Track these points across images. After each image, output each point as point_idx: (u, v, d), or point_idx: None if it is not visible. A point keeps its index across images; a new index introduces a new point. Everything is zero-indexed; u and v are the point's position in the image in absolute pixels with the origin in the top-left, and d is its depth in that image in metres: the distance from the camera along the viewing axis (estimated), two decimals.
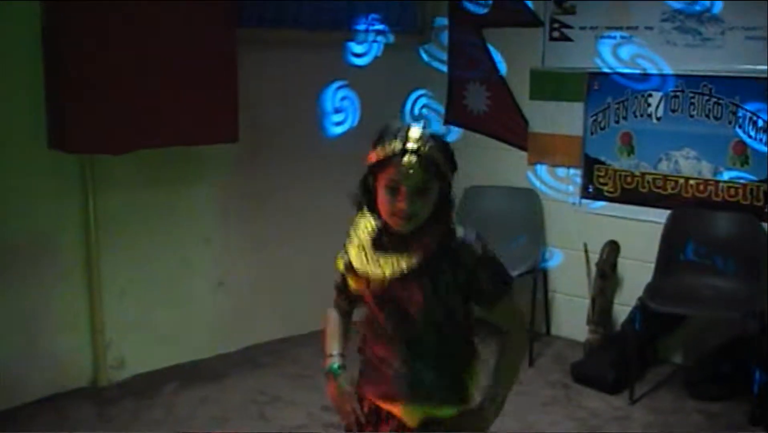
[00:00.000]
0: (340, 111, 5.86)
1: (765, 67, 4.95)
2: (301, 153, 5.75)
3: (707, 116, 5.21)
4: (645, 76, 5.43)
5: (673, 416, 4.81)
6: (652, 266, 5.26)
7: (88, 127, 4.51)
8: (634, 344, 5.08)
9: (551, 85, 5.86)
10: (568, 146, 5.79)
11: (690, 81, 5.26)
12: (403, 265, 2.45)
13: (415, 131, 2.40)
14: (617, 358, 5.17)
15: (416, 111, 6.32)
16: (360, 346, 2.68)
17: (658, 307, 4.89)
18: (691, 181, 5.31)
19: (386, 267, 2.47)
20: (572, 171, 5.80)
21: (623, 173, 5.57)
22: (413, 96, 6.29)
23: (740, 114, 5.09)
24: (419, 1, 6.34)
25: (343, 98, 5.86)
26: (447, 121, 6.34)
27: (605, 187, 5.65)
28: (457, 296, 2.48)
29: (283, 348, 5.68)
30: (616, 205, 5.62)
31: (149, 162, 4.98)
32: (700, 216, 5.27)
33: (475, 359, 2.60)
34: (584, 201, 5.77)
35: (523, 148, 6.02)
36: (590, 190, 5.73)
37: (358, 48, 5.93)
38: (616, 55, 5.53)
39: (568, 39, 5.74)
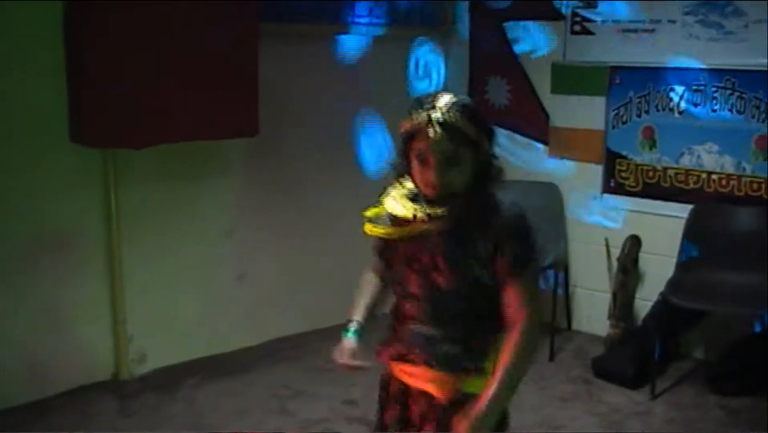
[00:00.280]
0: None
1: None
2: (321, 146, 5.76)
3: (730, 110, 5.18)
4: (667, 70, 5.41)
5: (695, 411, 4.80)
6: (674, 260, 5.24)
7: (109, 121, 4.52)
8: (655, 339, 5.06)
9: (572, 79, 5.84)
10: (590, 140, 5.77)
11: (713, 75, 5.23)
12: (437, 225, 2.45)
13: (442, 101, 2.40)
14: (638, 353, 5.15)
15: None
16: (391, 308, 2.70)
17: (679, 302, 4.87)
18: (714, 176, 5.29)
19: (419, 219, 2.48)
20: (594, 165, 5.78)
21: (645, 168, 5.55)
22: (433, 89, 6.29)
23: (763, 108, 5.05)
24: None
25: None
26: None
27: (627, 182, 5.63)
28: (483, 267, 2.46)
29: (305, 342, 5.69)
30: (638, 199, 5.60)
31: (170, 156, 4.99)
32: (722, 211, 5.24)
33: (500, 333, 2.53)
34: (605, 195, 5.75)
35: (544, 142, 6.00)
36: (612, 184, 5.71)
37: (378, 40, 5.92)
38: (637, 48, 5.50)
39: (589, 33, 5.71)
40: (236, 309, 5.55)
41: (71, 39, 4.54)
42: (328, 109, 5.74)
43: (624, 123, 5.61)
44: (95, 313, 4.96)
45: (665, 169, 5.47)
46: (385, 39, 5.95)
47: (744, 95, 5.12)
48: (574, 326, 6.00)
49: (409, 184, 2.54)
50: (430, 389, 2.58)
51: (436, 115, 2.37)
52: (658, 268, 5.35)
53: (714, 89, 5.23)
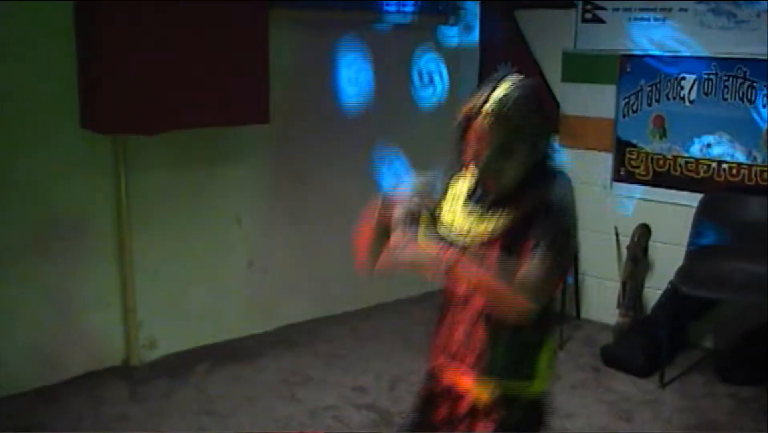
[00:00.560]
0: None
1: None
2: (332, 132, 5.76)
3: (741, 100, 5.17)
4: (678, 59, 5.40)
5: (704, 400, 4.81)
6: (684, 249, 5.24)
7: (120, 108, 4.52)
8: (664, 328, 5.06)
9: (583, 67, 5.83)
10: (600, 129, 5.76)
11: (724, 64, 5.22)
12: (489, 227, 2.42)
13: (503, 86, 2.35)
14: (648, 342, 5.16)
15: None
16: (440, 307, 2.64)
17: (689, 291, 4.87)
18: (724, 165, 5.28)
19: (472, 225, 2.45)
20: (604, 154, 5.77)
21: (655, 157, 5.55)
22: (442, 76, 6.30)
23: None
24: None
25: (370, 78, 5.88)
26: None
27: (637, 171, 5.63)
28: None
29: (315, 328, 5.71)
30: (648, 188, 5.60)
31: (181, 142, 4.99)
32: (732, 200, 5.24)
33: (545, 345, 2.51)
34: (615, 184, 5.75)
35: (554, 130, 6.00)
36: (622, 173, 5.71)
37: (389, 28, 5.91)
38: (649, 37, 5.49)
39: (600, 21, 5.70)
40: (246, 295, 5.56)
41: (83, 26, 4.55)
42: (339, 96, 5.73)
43: (634, 112, 5.60)
44: (105, 299, 4.98)
45: (675, 158, 5.46)
46: (397, 27, 5.94)
47: (755, 84, 5.10)
48: (584, 314, 6.01)
49: (461, 183, 2.52)
50: (472, 392, 2.53)
51: (489, 104, 2.32)
52: (668, 257, 5.35)
53: (725, 78, 5.22)
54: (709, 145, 5.33)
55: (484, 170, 2.37)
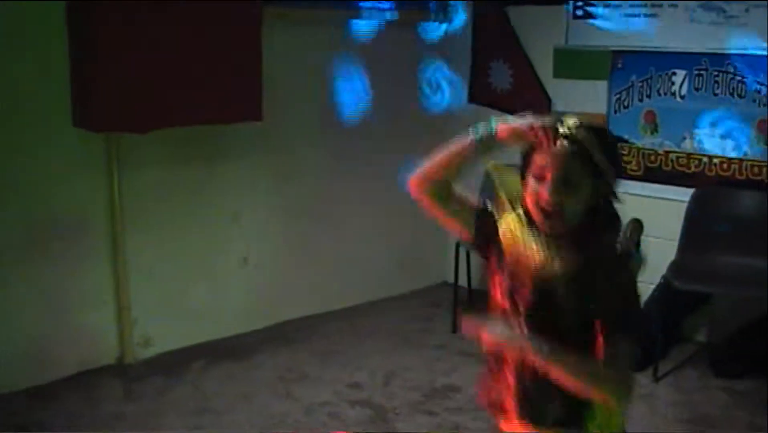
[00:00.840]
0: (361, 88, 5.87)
1: None
2: (327, 130, 5.76)
3: (731, 94, 5.19)
4: (669, 55, 5.41)
5: (698, 393, 4.83)
6: (676, 244, 5.26)
7: (113, 106, 4.52)
8: (658, 322, 5.07)
9: (575, 63, 5.84)
10: None
11: (714, 59, 5.24)
12: (555, 267, 2.25)
13: (572, 120, 2.24)
14: (641, 336, 5.16)
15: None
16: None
17: (682, 285, 4.89)
18: (715, 160, 5.30)
19: (538, 256, 2.28)
20: None
21: (647, 152, 5.56)
22: (434, 73, 6.30)
23: (764, 92, 5.06)
24: None
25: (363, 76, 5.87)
26: (471, 99, 6.32)
27: (629, 166, 5.63)
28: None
29: (311, 325, 5.72)
30: (640, 183, 5.60)
31: (175, 140, 5.00)
32: (724, 195, 5.26)
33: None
34: None
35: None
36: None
37: (381, 25, 5.91)
38: (640, 32, 5.51)
39: (592, 17, 5.71)
40: (241, 293, 5.57)
41: (76, 25, 4.55)
42: (333, 93, 5.73)
43: (626, 107, 5.61)
44: (100, 297, 4.98)
45: (667, 153, 5.48)
46: (390, 24, 5.94)
47: (745, 79, 5.12)
48: None
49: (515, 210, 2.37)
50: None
51: (564, 129, 2.22)
52: (661, 251, 5.35)
53: (715, 73, 5.24)
54: (700, 140, 5.35)
55: (546, 201, 2.21)
